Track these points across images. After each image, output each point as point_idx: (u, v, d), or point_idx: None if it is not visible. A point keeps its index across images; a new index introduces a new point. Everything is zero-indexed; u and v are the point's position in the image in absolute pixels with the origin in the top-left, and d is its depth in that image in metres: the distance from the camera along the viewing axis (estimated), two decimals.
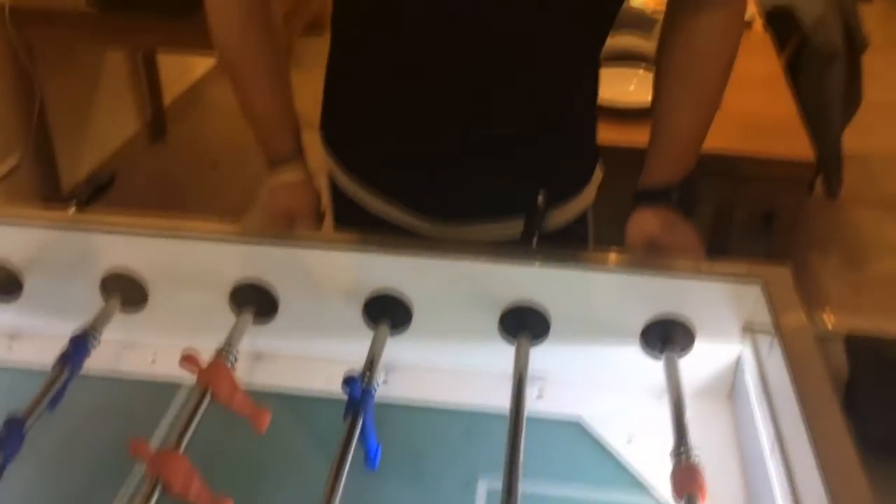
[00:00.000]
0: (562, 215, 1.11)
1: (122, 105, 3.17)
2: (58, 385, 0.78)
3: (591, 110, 1.12)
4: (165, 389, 0.88)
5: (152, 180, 3.11)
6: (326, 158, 1.16)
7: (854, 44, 2.53)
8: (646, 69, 1.85)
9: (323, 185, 1.17)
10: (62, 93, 2.77)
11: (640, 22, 1.98)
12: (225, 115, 3.51)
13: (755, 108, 1.81)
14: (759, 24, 2.29)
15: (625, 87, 1.81)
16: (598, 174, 1.17)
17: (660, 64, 1.06)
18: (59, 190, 2.69)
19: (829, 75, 2.41)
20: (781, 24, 2.39)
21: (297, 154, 1.10)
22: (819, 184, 2.68)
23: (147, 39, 2.49)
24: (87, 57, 2.90)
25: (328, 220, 1.17)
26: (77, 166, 2.88)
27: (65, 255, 0.92)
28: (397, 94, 1.02)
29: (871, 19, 4.74)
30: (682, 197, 1.05)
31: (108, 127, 3.07)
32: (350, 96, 1.09)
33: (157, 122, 3.34)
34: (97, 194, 1.11)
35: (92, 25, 2.42)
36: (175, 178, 3.17)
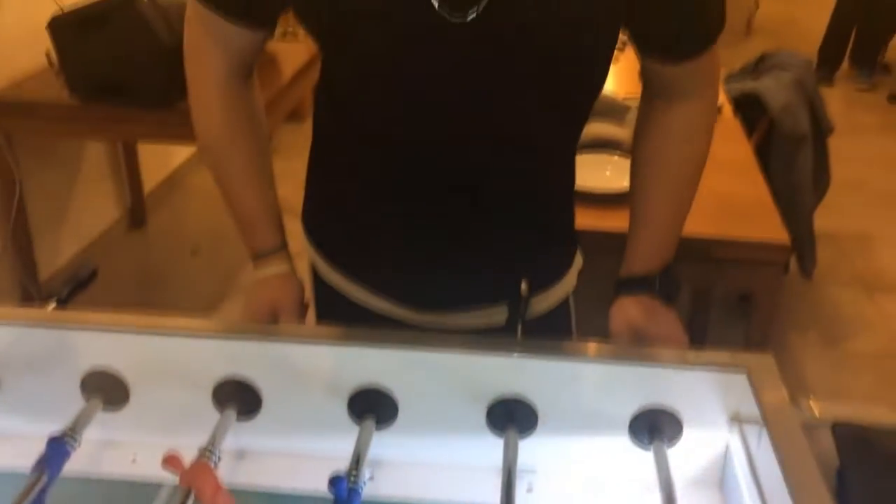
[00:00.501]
0: (544, 302, 1.12)
1: (101, 193, 3.18)
2: (35, 491, 0.76)
3: (570, 198, 1.14)
4: (147, 490, 0.86)
5: (132, 268, 3.10)
6: (308, 248, 1.17)
7: (820, 128, 2.62)
8: (620, 155, 1.89)
9: (305, 273, 1.17)
10: (42, 182, 2.78)
11: (614, 110, 2.03)
12: (205, 201, 3.53)
13: (729, 192, 1.85)
14: (728, 110, 2.36)
15: (601, 173, 1.85)
16: (578, 260, 1.18)
17: (636, 154, 1.08)
18: (36, 280, 2.67)
19: (798, 158, 2.47)
20: (750, 109, 2.47)
21: (281, 247, 1.10)
22: (794, 263, 2.72)
23: (129, 130, 2.51)
24: (67, 146, 2.92)
25: (311, 312, 1.16)
26: (56, 256, 2.87)
27: (44, 353, 0.91)
28: (378, 189, 1.04)
29: (833, 102, 4.91)
30: (663, 284, 1.07)
31: (87, 215, 3.07)
32: (331, 190, 1.10)
33: (137, 210, 3.35)
34: (78, 289, 1.10)
35: (74, 116, 2.44)
36: (155, 266, 3.16)
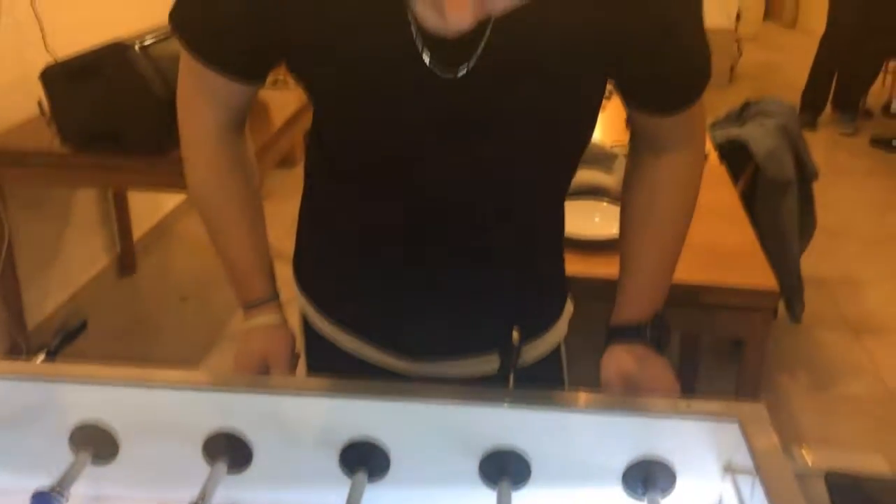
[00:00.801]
0: (536, 349, 1.12)
1: (91, 240, 3.17)
2: None
3: (560, 246, 1.15)
4: None
5: (121, 316, 3.08)
6: (299, 296, 1.17)
7: (805, 173, 2.65)
8: (609, 202, 1.91)
9: (295, 322, 1.17)
10: (31, 229, 2.77)
11: (601, 157, 2.06)
12: (194, 248, 3.53)
13: (716, 238, 1.87)
14: (714, 157, 2.39)
15: (590, 219, 1.86)
16: (569, 307, 1.18)
17: (625, 204, 1.10)
18: (24, 329, 2.65)
19: (783, 204, 2.50)
20: (735, 156, 2.50)
21: (272, 297, 1.10)
22: (782, 308, 2.73)
23: (120, 178, 2.52)
24: (57, 193, 2.93)
25: (302, 361, 1.16)
26: (44, 304, 2.85)
27: (32, 407, 0.90)
28: (369, 239, 1.05)
29: (817, 147, 4.97)
30: (654, 332, 1.07)
31: (76, 263, 3.06)
32: (322, 240, 1.11)
33: (127, 257, 3.34)
34: (68, 341, 1.10)
35: (65, 165, 2.44)
36: (144, 314, 3.15)
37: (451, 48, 0.80)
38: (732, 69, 6.84)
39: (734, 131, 2.60)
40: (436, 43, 0.84)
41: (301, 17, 0.87)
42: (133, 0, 3.24)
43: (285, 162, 4.17)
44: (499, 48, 0.85)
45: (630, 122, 1.05)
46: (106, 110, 2.29)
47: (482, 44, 0.85)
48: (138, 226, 3.42)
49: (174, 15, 0.95)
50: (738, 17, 6.63)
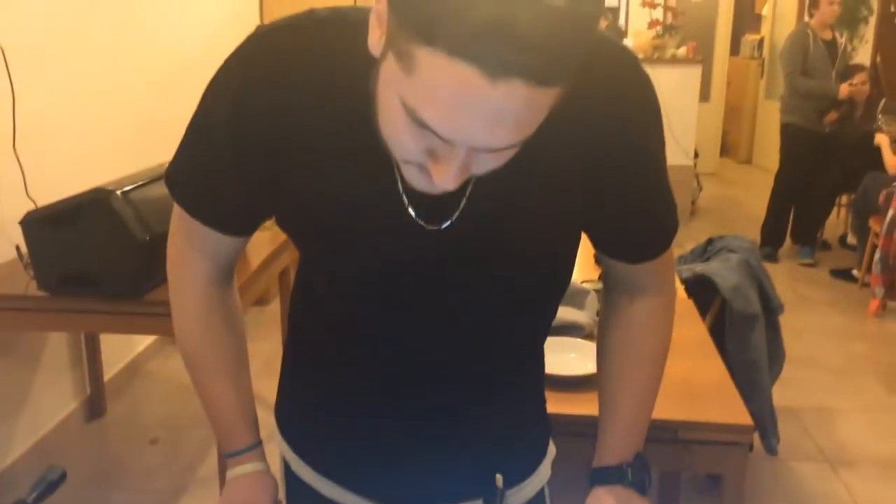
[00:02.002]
0: (520, 494, 1.12)
1: (60, 383, 3.12)
2: None
3: (540, 390, 1.17)
4: None
5: (89, 460, 3.00)
6: (280, 442, 1.17)
7: (770, 306, 2.72)
8: (584, 338, 1.94)
9: (276, 468, 1.17)
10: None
11: (573, 294, 2.11)
12: (166, 388, 3.48)
13: (690, 374, 1.90)
14: (682, 292, 2.46)
15: (565, 356, 1.89)
16: (551, 450, 1.19)
17: (601, 347, 1.13)
18: None
19: (752, 337, 2.56)
20: (702, 291, 2.57)
21: (255, 445, 1.10)
22: (758, 441, 2.74)
23: (94, 322, 2.51)
24: (28, 336, 2.90)
25: None
26: (8, 450, 2.78)
27: None
28: (352, 387, 1.06)
29: (780, 278, 5.11)
30: (636, 472, 1.08)
31: (44, 407, 3.00)
32: (304, 389, 1.12)
33: (96, 400, 3.28)
34: (47, 493, 1.08)
35: (39, 309, 2.44)
36: (113, 457, 3.06)
37: (435, 203, 0.85)
38: (694, 203, 7.09)
39: (699, 267, 2.69)
40: (421, 198, 0.89)
41: (290, 179, 0.91)
42: (115, 148, 3.34)
43: (260, 300, 4.19)
44: (480, 203, 0.90)
45: (603, 266, 1.10)
46: (84, 255, 2.31)
47: (464, 200, 0.90)
48: (109, 365, 3.38)
49: (169, 171, 1.00)
50: (697, 154, 6.94)
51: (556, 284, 1.06)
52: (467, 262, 0.94)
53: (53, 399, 3.07)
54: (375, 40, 0.74)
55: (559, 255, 1.01)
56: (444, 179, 0.74)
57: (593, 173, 0.92)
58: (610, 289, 1.12)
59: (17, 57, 2.71)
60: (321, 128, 0.88)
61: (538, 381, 1.16)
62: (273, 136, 0.89)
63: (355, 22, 0.85)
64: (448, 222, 0.90)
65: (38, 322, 2.51)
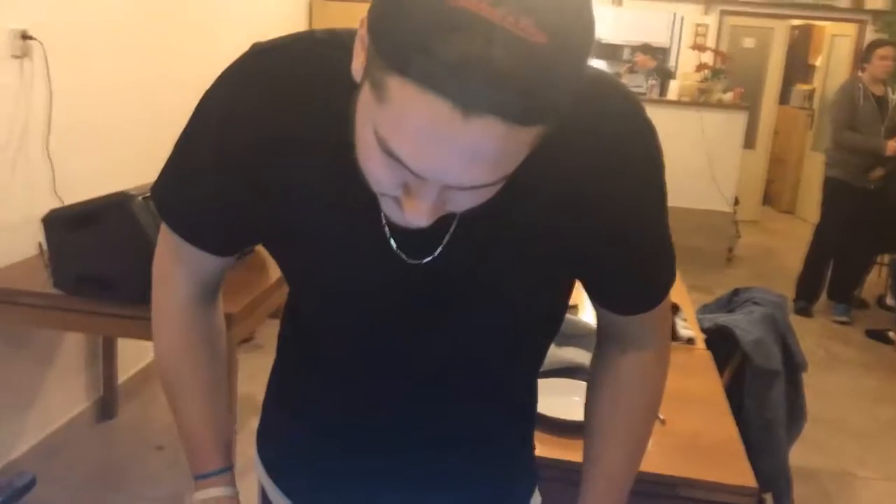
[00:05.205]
0: None
1: (73, 382, 3.14)
2: None
3: (530, 439, 1.13)
4: None
5: (95, 459, 3.00)
6: (259, 467, 1.14)
7: (793, 363, 2.64)
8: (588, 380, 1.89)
9: (253, 492, 1.14)
10: (13, 367, 2.76)
11: (581, 335, 2.05)
12: None
13: (698, 428, 1.83)
14: (701, 342, 2.39)
15: (568, 399, 1.84)
16: (536, 499, 1.15)
17: (589, 399, 1.09)
18: None
19: (771, 394, 2.48)
20: (722, 342, 2.50)
21: (226, 469, 1.08)
22: (771, 502, 2.64)
23: (107, 324, 2.52)
24: (46, 333, 2.93)
25: None
26: (17, 442, 2.79)
27: None
28: (339, 431, 1.03)
29: (811, 335, 4.99)
30: None
31: (55, 404, 3.02)
32: (286, 418, 1.09)
33: (109, 401, 3.29)
34: (17, 497, 1.07)
35: (55, 307, 2.46)
36: (118, 460, 3.07)
37: (419, 236, 0.82)
38: (731, 250, 6.97)
39: (721, 318, 2.62)
40: (405, 230, 0.86)
41: (273, 202, 0.89)
42: (146, 153, 3.38)
43: (277, 313, 4.19)
44: (464, 240, 0.87)
45: (595, 312, 1.06)
46: (102, 258, 2.33)
47: (447, 236, 0.87)
48: (124, 369, 3.39)
49: (154, 186, 0.99)
50: (737, 201, 6.83)
51: (541, 329, 1.02)
52: (447, 298, 0.91)
53: (65, 397, 3.09)
54: (358, 66, 0.72)
55: (544, 301, 0.98)
56: (416, 216, 0.71)
57: (585, 223, 0.88)
58: (602, 337, 1.08)
59: (58, 58, 2.76)
60: (307, 151, 0.86)
61: (528, 432, 1.12)
62: (258, 158, 0.87)
63: (350, 46, 0.83)
64: (430, 257, 0.88)
65: (51, 320, 2.52)
